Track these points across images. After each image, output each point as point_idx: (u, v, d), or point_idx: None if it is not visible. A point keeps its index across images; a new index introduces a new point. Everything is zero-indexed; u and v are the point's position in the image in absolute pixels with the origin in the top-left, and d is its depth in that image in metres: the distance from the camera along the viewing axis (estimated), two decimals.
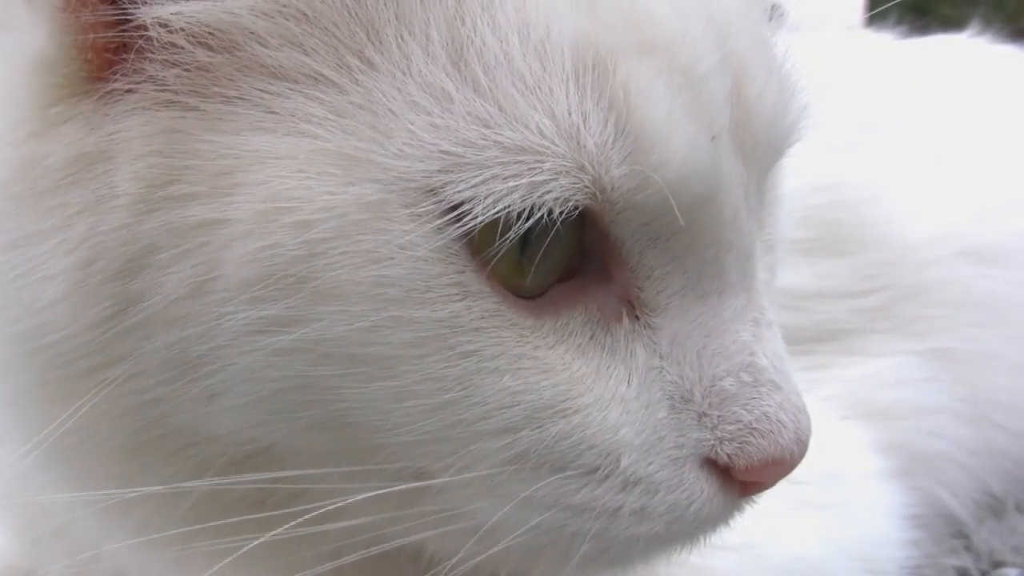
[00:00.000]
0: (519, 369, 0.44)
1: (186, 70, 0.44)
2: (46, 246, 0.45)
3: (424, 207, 0.43)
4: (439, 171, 0.42)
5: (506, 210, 0.42)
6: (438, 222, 0.43)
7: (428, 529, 0.47)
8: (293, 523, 0.46)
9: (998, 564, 0.86)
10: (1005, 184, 0.97)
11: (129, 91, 0.45)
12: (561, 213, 0.43)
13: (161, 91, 0.45)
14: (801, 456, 0.48)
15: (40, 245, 0.45)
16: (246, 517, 0.47)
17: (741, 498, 0.49)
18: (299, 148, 0.43)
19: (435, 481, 0.46)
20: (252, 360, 0.44)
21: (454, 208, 0.42)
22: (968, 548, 0.87)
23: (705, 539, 0.51)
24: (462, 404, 0.44)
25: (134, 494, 0.47)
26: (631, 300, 0.47)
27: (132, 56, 0.45)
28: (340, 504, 0.46)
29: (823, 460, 0.74)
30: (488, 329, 0.44)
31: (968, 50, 1.13)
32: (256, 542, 0.46)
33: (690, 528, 0.48)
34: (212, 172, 0.43)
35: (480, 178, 0.42)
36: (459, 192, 0.42)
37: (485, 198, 0.42)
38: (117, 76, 0.45)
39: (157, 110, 0.45)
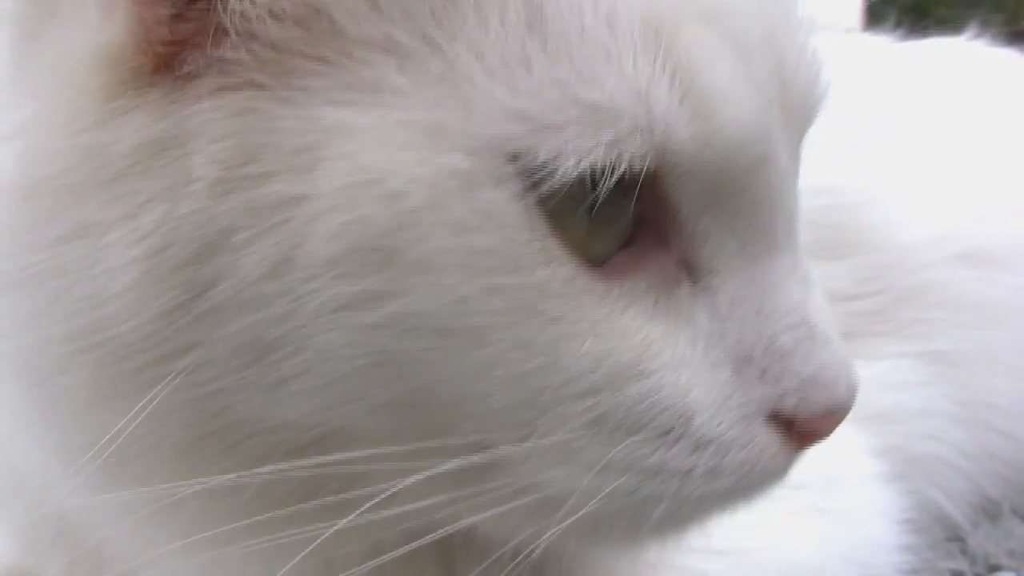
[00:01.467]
0: (599, 333, 0.45)
1: (258, 49, 0.44)
2: (112, 236, 0.45)
3: (509, 172, 0.43)
4: (522, 134, 0.43)
5: (589, 167, 0.43)
6: (523, 186, 0.43)
7: (491, 507, 0.47)
8: (359, 511, 0.46)
9: (994, 568, 0.86)
10: (1003, 187, 0.97)
11: (199, 76, 0.45)
12: (638, 172, 0.44)
13: (233, 74, 0.44)
14: (850, 406, 0.49)
15: (104, 236, 0.45)
16: (302, 506, 0.47)
17: (798, 449, 0.50)
18: (382, 120, 0.43)
19: (510, 450, 0.46)
20: (333, 339, 0.43)
21: (537, 171, 0.43)
22: (964, 552, 0.87)
23: (767, 493, 0.52)
24: (549, 369, 0.44)
25: (189, 490, 0.46)
26: (689, 264, 0.48)
27: (204, 41, 0.45)
28: (403, 485, 0.46)
29: (820, 464, 0.74)
30: (571, 294, 0.45)
31: (966, 53, 1.13)
32: (326, 532, 0.46)
33: (757, 482, 0.49)
34: (292, 149, 0.43)
35: (562, 137, 0.43)
36: (542, 153, 0.43)
37: (568, 157, 0.43)
38: (186, 64, 0.45)
39: (230, 92, 0.44)
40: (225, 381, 0.45)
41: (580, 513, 0.47)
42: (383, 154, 0.43)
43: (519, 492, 0.47)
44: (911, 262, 0.90)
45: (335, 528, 0.46)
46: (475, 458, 0.46)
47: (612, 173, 0.43)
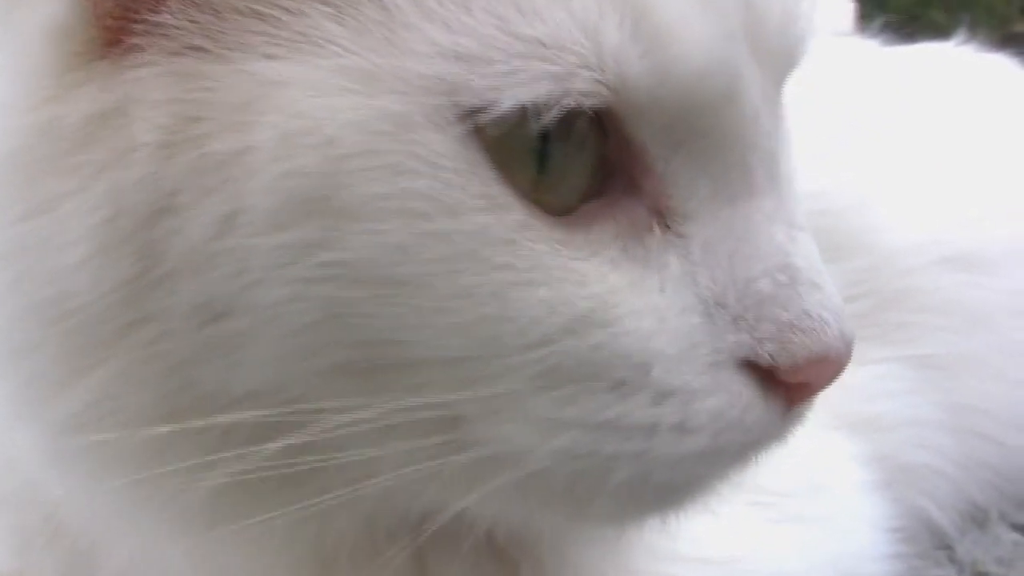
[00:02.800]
0: (555, 281, 0.44)
1: (196, 12, 0.44)
2: (67, 208, 0.45)
3: (447, 113, 0.42)
4: (458, 72, 0.42)
5: (529, 103, 0.42)
6: (463, 128, 0.42)
7: (464, 481, 0.46)
8: (338, 493, 0.45)
9: (982, 575, 0.86)
10: (989, 191, 0.97)
11: (143, 47, 0.45)
12: (592, 113, 0.43)
13: (175, 39, 0.44)
14: (847, 358, 0.46)
15: (61, 208, 0.45)
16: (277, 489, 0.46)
17: (789, 409, 0.47)
18: (318, 69, 0.43)
19: (469, 408, 0.45)
20: (280, 294, 0.43)
21: (476, 110, 0.42)
22: (951, 559, 0.87)
23: (757, 456, 0.49)
24: (498, 319, 0.43)
25: (165, 469, 0.46)
26: (660, 210, 0.47)
27: (147, 10, 0.45)
28: (374, 453, 0.45)
29: (807, 471, 0.73)
30: (520, 241, 0.43)
31: (954, 58, 1.13)
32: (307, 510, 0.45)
33: (738, 438, 0.46)
34: (230, 106, 0.43)
35: (498, 71, 0.42)
36: (479, 90, 0.42)
37: (505, 92, 0.42)
38: (133, 35, 0.45)
39: (171, 58, 0.44)
40: (186, 351, 0.45)
41: (529, 470, 0.45)
42: (318, 102, 0.42)
43: (487, 461, 0.46)
44: (897, 266, 0.89)
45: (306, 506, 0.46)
46: (431, 414, 0.44)
47: (555, 109, 0.42)
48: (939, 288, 0.90)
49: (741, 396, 0.46)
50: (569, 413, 0.45)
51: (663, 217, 0.47)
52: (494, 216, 0.43)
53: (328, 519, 0.50)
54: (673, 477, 0.47)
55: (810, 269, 0.47)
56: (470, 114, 0.42)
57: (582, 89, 0.42)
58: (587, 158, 0.45)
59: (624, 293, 0.45)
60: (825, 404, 0.81)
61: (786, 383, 0.46)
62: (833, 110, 0.92)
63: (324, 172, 0.42)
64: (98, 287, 0.45)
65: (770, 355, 0.45)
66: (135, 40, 0.45)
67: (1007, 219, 0.96)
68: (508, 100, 0.42)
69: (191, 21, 0.44)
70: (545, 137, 0.44)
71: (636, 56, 0.43)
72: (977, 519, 0.90)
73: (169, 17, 0.45)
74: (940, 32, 1.24)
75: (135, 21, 0.45)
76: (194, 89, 0.44)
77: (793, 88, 0.54)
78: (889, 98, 1.00)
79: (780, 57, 0.50)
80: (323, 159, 0.42)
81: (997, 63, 1.14)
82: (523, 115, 0.42)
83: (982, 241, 0.94)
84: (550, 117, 0.42)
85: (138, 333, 0.45)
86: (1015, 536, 0.90)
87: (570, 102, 0.42)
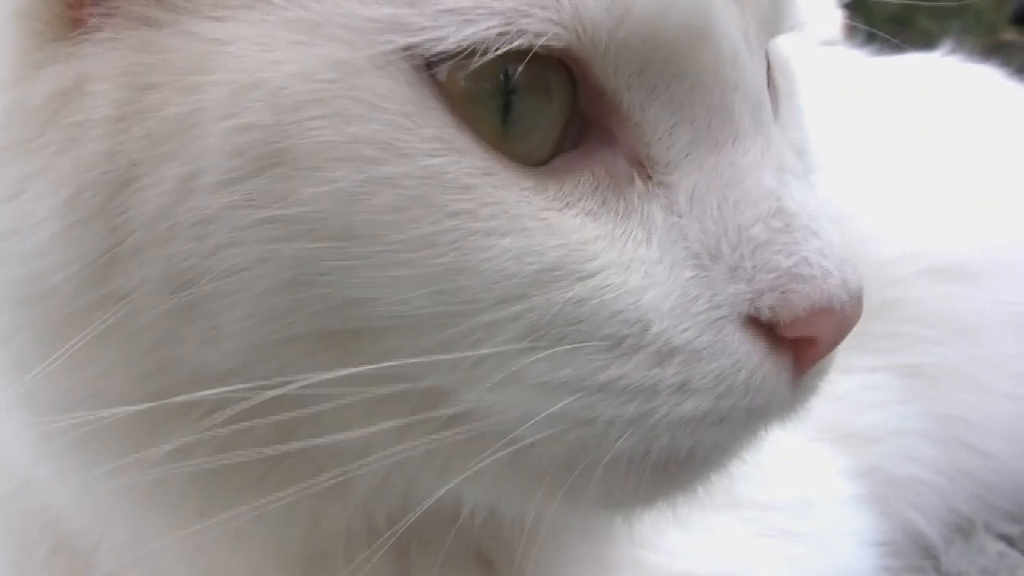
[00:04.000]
0: (521, 230, 0.42)
1: None
2: (35, 189, 0.45)
3: (393, 56, 0.42)
4: (401, 12, 0.42)
5: (477, 41, 0.41)
6: (411, 73, 0.42)
7: (457, 460, 0.45)
8: (329, 476, 0.44)
9: None
10: (973, 202, 0.97)
11: (100, 25, 0.45)
12: (549, 55, 0.42)
13: (127, 15, 0.45)
14: (854, 312, 0.44)
15: (29, 190, 0.45)
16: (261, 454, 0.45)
17: (798, 373, 0.45)
18: (261, 24, 0.43)
19: (449, 376, 0.43)
20: (243, 256, 0.43)
21: (422, 50, 0.42)
22: (937, 569, 0.87)
23: (766, 426, 0.46)
24: (460, 270, 0.42)
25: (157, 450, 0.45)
26: (640, 161, 0.45)
27: None
28: (362, 433, 0.44)
29: (795, 485, 0.73)
30: (480, 187, 0.42)
31: (941, 68, 1.13)
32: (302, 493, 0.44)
33: (743, 401, 0.44)
34: (180, 70, 0.43)
35: (442, 9, 0.41)
36: (423, 29, 0.41)
37: (450, 30, 0.41)
38: (93, 15, 0.45)
39: (123, 32, 0.45)
40: (160, 327, 0.45)
41: (523, 442, 0.43)
42: (264, 57, 0.42)
43: (479, 438, 0.44)
44: (884, 277, 0.89)
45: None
46: (414, 386, 0.43)
47: (504, 49, 0.41)
48: (925, 299, 0.91)
49: (749, 356, 0.43)
50: (564, 375, 0.43)
51: (644, 168, 0.45)
52: (449, 159, 0.42)
53: (321, 511, 0.50)
54: (675, 443, 0.44)
55: (806, 215, 0.44)
56: (418, 57, 0.42)
57: (535, 29, 0.41)
58: (556, 110, 0.44)
59: (601, 244, 0.43)
60: (812, 416, 0.81)
61: (791, 340, 0.44)
62: (820, 120, 0.92)
63: (273, 124, 0.42)
64: (68, 266, 0.45)
65: (769, 308, 0.43)
66: (93, 19, 0.45)
67: (992, 229, 0.96)
68: (453, 38, 0.41)
69: None
70: (511, 90, 0.42)
71: None
72: (962, 529, 0.91)
73: None
74: (929, 40, 1.24)
75: (94, 2, 0.45)
76: (145, 59, 0.44)
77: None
78: (876, 109, 1.00)
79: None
80: (271, 111, 0.42)
81: (983, 73, 1.15)
82: (471, 55, 0.41)
83: (967, 251, 0.94)
84: (496, 55, 0.41)
85: (110, 310, 0.45)
86: (1000, 546, 0.90)
87: (523, 43, 0.41)
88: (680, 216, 0.45)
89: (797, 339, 0.44)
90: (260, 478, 0.47)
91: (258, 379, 0.44)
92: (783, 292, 0.43)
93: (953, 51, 1.18)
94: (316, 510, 0.50)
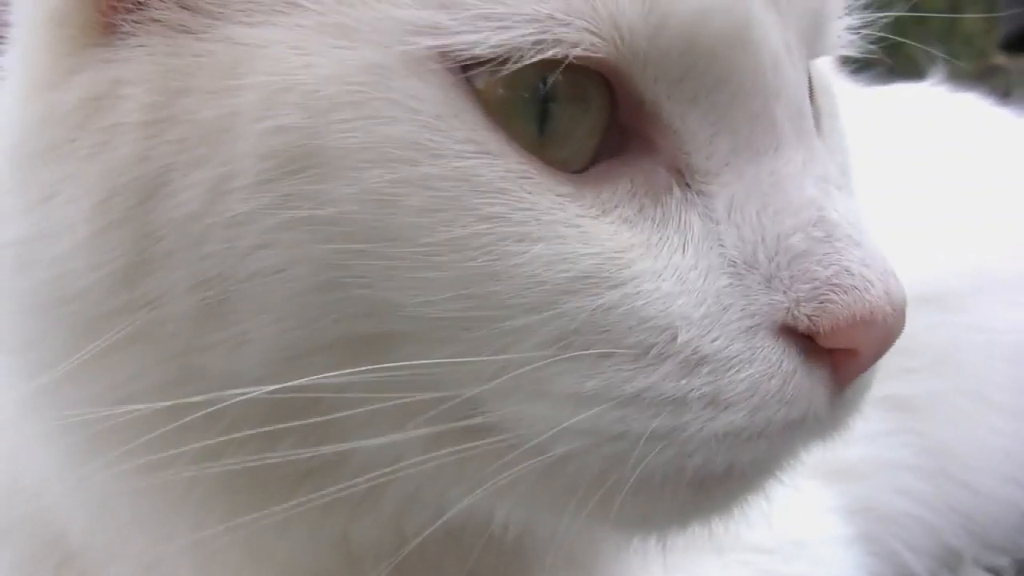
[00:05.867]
0: (555, 236, 0.42)
1: None
2: (66, 193, 0.46)
3: (426, 61, 0.42)
4: (435, 16, 0.42)
5: (511, 46, 0.41)
6: (444, 76, 0.42)
7: (488, 471, 0.44)
8: (357, 480, 0.44)
9: None
10: (957, 229, 0.97)
11: (134, 32, 0.46)
12: (588, 63, 0.42)
13: (161, 21, 0.45)
14: (896, 324, 0.43)
15: (60, 194, 0.46)
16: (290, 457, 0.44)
17: (838, 386, 0.44)
18: (295, 29, 0.43)
19: (478, 386, 0.42)
20: (276, 258, 0.43)
21: (457, 58, 0.42)
22: None
23: (804, 443, 0.45)
24: (490, 274, 0.41)
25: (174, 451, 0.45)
26: (680, 169, 0.45)
27: None
28: (392, 440, 0.43)
29: (786, 525, 0.73)
30: (514, 191, 0.42)
31: (926, 98, 1.14)
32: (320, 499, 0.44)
33: (780, 415, 0.42)
34: (214, 74, 0.44)
35: (476, 14, 0.42)
36: (457, 33, 0.42)
37: (484, 35, 0.41)
38: (124, 21, 0.46)
39: (156, 38, 0.45)
40: (187, 333, 0.45)
41: (553, 455, 0.42)
42: (298, 60, 0.43)
43: (508, 449, 0.43)
44: None
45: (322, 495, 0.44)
46: (443, 395, 0.42)
47: (537, 56, 0.41)
48: (909, 328, 0.90)
49: (781, 365, 0.42)
50: (592, 386, 0.42)
51: (684, 176, 0.45)
52: (482, 162, 0.42)
53: (350, 523, 0.50)
54: (710, 460, 0.43)
55: (848, 225, 0.44)
56: (452, 60, 0.42)
57: (571, 39, 0.41)
58: (594, 119, 0.44)
59: (637, 252, 0.43)
60: None
61: (830, 352, 0.43)
62: None
63: (307, 127, 0.42)
64: (97, 269, 0.45)
65: (807, 316, 0.42)
66: (125, 25, 0.46)
67: (976, 256, 0.96)
68: (487, 43, 0.41)
69: (176, 1, 0.45)
70: (548, 98, 0.43)
71: (628, 1, 0.42)
72: (950, 563, 0.90)
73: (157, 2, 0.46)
74: (918, 66, 1.24)
75: (128, 8, 0.46)
76: (178, 64, 0.44)
77: None
78: (861, 138, 1.00)
79: (803, 7, 0.48)
80: (305, 114, 0.42)
81: (969, 102, 1.15)
82: (505, 63, 0.41)
83: (951, 279, 0.94)
84: (529, 62, 0.41)
85: (138, 314, 0.45)
86: None
87: (559, 52, 0.41)
88: (717, 223, 0.44)
89: (836, 351, 0.43)
90: (292, 486, 0.47)
91: (281, 381, 0.44)
92: (821, 302, 0.42)
93: (942, 79, 1.19)
94: (346, 522, 0.50)
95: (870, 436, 0.86)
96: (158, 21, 0.46)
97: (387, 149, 0.42)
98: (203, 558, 0.53)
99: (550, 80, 0.42)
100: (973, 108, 1.14)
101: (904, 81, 1.17)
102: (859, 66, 1.24)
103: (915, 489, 0.88)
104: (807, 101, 0.48)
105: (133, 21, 0.46)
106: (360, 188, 0.42)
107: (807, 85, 0.49)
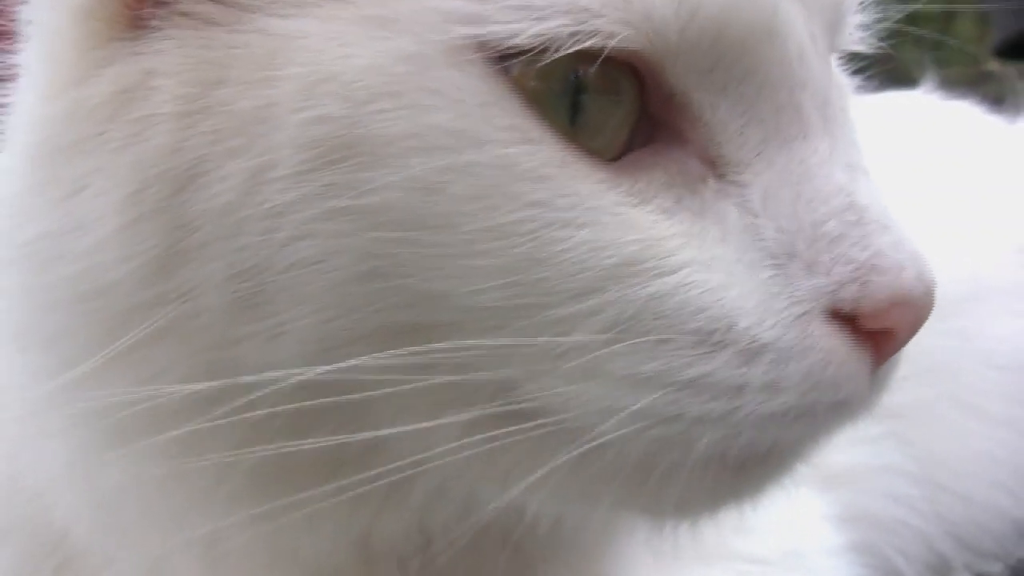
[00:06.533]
0: (598, 223, 0.42)
1: None
2: (96, 186, 0.46)
3: (464, 51, 0.42)
4: (475, 10, 0.42)
5: (548, 37, 0.42)
6: (483, 65, 0.43)
7: (525, 460, 0.44)
8: (381, 470, 0.44)
9: None
10: (945, 237, 0.97)
11: (162, 25, 0.46)
12: (622, 54, 0.42)
13: (190, 14, 0.46)
14: (927, 304, 0.45)
15: (89, 188, 0.46)
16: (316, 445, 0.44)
17: (876, 366, 0.45)
18: (333, 20, 0.44)
19: (525, 368, 0.43)
20: (315, 248, 0.43)
21: (495, 48, 0.42)
22: None
23: (844, 422, 0.46)
24: (537, 260, 0.42)
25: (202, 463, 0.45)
26: (712, 160, 0.45)
27: None
28: (425, 425, 0.44)
29: (780, 536, 0.72)
30: (556, 177, 0.42)
31: (918, 105, 1.14)
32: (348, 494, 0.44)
33: (827, 397, 0.44)
34: (251, 65, 0.44)
35: (514, 5, 0.42)
36: (495, 23, 0.42)
37: (522, 25, 0.42)
38: (152, 15, 0.46)
39: (188, 31, 0.46)
40: (220, 324, 0.45)
41: (602, 439, 0.43)
42: (336, 51, 0.43)
43: (551, 436, 0.43)
44: None
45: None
46: (485, 376, 0.43)
47: (575, 47, 0.42)
48: None
49: (835, 351, 0.44)
50: (650, 368, 0.42)
51: (716, 167, 0.45)
52: (523, 149, 0.42)
53: (376, 519, 0.49)
54: (758, 440, 0.44)
55: (877, 210, 0.45)
56: (490, 50, 0.42)
57: (607, 30, 0.42)
58: (625, 110, 0.44)
59: (678, 241, 0.43)
60: None
61: (871, 332, 0.44)
62: None
63: (347, 117, 0.42)
64: (127, 262, 0.45)
65: (852, 299, 0.43)
66: (154, 19, 0.46)
67: (964, 264, 0.96)
68: (525, 33, 0.42)
69: None
70: (579, 89, 0.43)
71: None
72: (940, 571, 0.91)
73: None
74: (911, 71, 1.25)
75: (155, 2, 0.46)
76: (211, 55, 0.45)
77: None
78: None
79: (826, 3, 0.49)
80: (346, 104, 0.42)
81: (961, 110, 1.15)
82: (543, 52, 0.42)
83: (944, 285, 0.93)
84: (567, 52, 0.42)
85: (172, 307, 0.45)
86: None
87: (595, 43, 0.42)
88: (756, 216, 0.45)
89: (875, 331, 0.44)
90: (323, 478, 0.46)
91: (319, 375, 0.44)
92: (863, 283, 0.43)
93: (935, 86, 1.19)
94: (372, 517, 0.50)
95: (860, 440, 0.86)
96: (187, 14, 0.46)
97: (430, 137, 0.42)
98: (215, 557, 0.52)
99: (590, 71, 0.43)
100: (966, 116, 1.15)
101: (897, 88, 1.18)
102: (853, 71, 1.25)
103: (906, 495, 0.88)
104: (832, 89, 0.49)
105: (162, 14, 0.46)
106: (404, 176, 0.42)
107: (831, 75, 0.50)
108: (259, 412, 0.44)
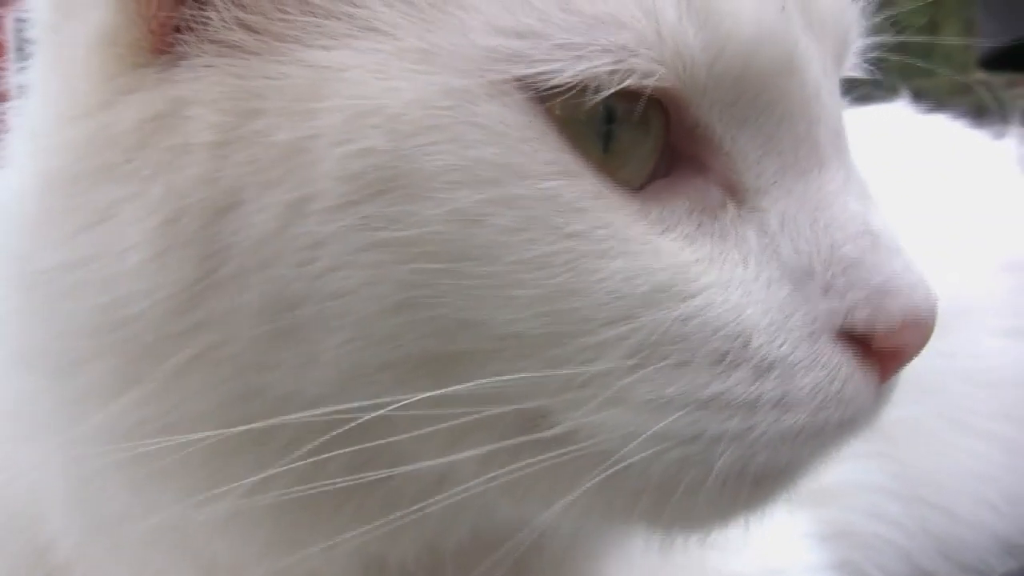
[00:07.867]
0: (630, 252, 0.44)
1: (244, 14, 0.45)
2: (125, 214, 0.45)
3: (507, 85, 0.43)
4: (516, 45, 0.43)
5: (589, 76, 0.43)
6: (524, 102, 0.43)
7: (548, 486, 0.45)
8: (406, 511, 0.44)
9: None
10: (927, 254, 0.97)
11: (191, 52, 0.46)
12: (653, 90, 0.43)
13: (223, 41, 0.45)
14: (933, 324, 0.47)
15: (118, 215, 0.45)
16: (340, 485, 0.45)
17: (882, 382, 0.47)
18: (375, 53, 0.44)
19: (555, 398, 0.44)
20: (353, 279, 0.43)
21: (537, 81, 0.43)
22: None
23: (850, 438, 0.48)
24: (574, 290, 0.43)
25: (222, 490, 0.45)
26: (732, 187, 0.47)
27: (193, 14, 0.46)
28: (451, 459, 0.44)
29: (762, 555, 0.72)
30: (593, 210, 0.43)
31: (896, 120, 1.14)
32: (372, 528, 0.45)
33: (837, 414, 0.45)
34: (291, 96, 0.44)
35: (556, 44, 0.43)
36: (538, 62, 0.43)
37: (564, 65, 0.43)
38: (181, 40, 0.46)
39: (220, 59, 0.45)
40: (254, 353, 0.45)
41: (627, 461, 0.44)
42: (379, 85, 0.43)
43: (572, 461, 0.44)
44: None
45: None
46: (513, 408, 0.44)
47: (614, 86, 0.43)
48: None
49: (840, 369, 0.45)
50: (670, 392, 0.44)
51: (736, 194, 0.47)
52: (564, 182, 0.43)
53: (391, 546, 0.50)
54: (773, 459, 0.45)
55: (889, 235, 0.47)
56: (531, 88, 0.43)
57: (643, 69, 0.43)
58: (653, 142, 0.46)
59: (703, 266, 0.45)
60: None
61: (879, 351, 0.46)
62: None
63: (391, 150, 0.42)
64: (156, 292, 0.45)
65: (864, 320, 0.45)
66: (184, 44, 0.46)
67: (947, 281, 0.96)
68: (566, 72, 0.43)
69: (240, 23, 0.45)
70: (610, 120, 0.44)
71: (691, 32, 0.44)
72: None
73: (215, 16, 0.46)
74: (895, 81, 1.25)
75: (183, 25, 0.46)
76: (248, 85, 0.44)
77: None
78: None
79: (836, 34, 0.51)
80: (389, 137, 0.43)
81: (939, 124, 1.15)
82: (584, 91, 0.43)
83: None
84: (610, 92, 0.43)
85: (201, 337, 0.45)
86: None
87: (633, 82, 0.43)
88: (773, 237, 0.46)
89: (883, 350, 0.46)
90: (335, 509, 0.47)
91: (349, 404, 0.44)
92: (876, 306, 0.45)
93: (917, 97, 1.19)
94: (387, 544, 0.50)
95: (845, 459, 0.86)
96: (218, 42, 0.46)
97: (475, 171, 0.43)
98: None
99: (617, 108, 0.44)
100: (944, 129, 1.15)
101: (880, 100, 1.18)
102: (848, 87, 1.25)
103: (889, 512, 0.88)
104: (843, 122, 0.50)
105: (190, 41, 0.46)
106: (448, 208, 0.42)
107: (841, 107, 0.51)
108: (279, 443, 0.45)
